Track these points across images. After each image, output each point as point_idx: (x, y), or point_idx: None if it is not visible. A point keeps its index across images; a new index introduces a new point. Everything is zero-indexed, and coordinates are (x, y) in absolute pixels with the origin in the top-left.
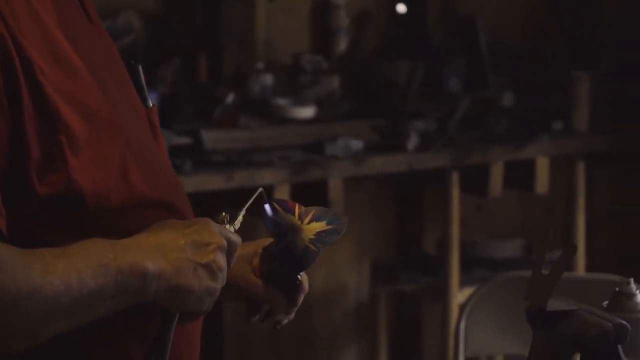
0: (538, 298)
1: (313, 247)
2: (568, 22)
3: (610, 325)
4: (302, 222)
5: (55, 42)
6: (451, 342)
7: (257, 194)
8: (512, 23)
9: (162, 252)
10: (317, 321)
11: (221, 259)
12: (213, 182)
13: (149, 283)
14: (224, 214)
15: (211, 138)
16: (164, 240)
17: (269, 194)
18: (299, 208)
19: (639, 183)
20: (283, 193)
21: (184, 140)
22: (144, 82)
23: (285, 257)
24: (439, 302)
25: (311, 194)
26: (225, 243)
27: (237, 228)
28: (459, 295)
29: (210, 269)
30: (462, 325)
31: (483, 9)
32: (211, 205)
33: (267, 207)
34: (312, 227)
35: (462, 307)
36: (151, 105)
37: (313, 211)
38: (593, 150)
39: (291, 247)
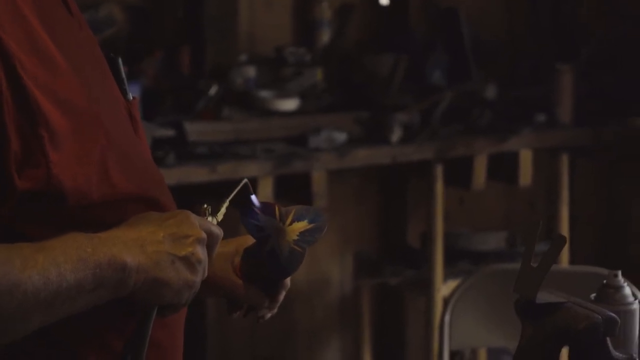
0: (527, 290)
1: (298, 248)
2: (549, 13)
3: (600, 317)
4: (283, 224)
5: (35, 35)
6: (435, 334)
7: (241, 185)
8: (494, 15)
9: (140, 245)
10: (300, 314)
11: (200, 251)
12: (196, 174)
13: (127, 276)
14: (205, 205)
15: (194, 130)
16: (142, 233)
17: (252, 186)
18: (279, 209)
19: (622, 175)
20: (266, 185)
21: (167, 133)
22: (124, 75)
23: (271, 260)
24: (422, 295)
25: (295, 186)
26: (204, 235)
27: (219, 220)
28: (443, 288)
29: (189, 262)
30: (446, 318)
31: (465, 1)
32: (194, 198)
33: (253, 197)
34: (295, 228)
35: (446, 300)
36: (131, 98)
37: (293, 210)
38: (576, 142)
39: (276, 251)
